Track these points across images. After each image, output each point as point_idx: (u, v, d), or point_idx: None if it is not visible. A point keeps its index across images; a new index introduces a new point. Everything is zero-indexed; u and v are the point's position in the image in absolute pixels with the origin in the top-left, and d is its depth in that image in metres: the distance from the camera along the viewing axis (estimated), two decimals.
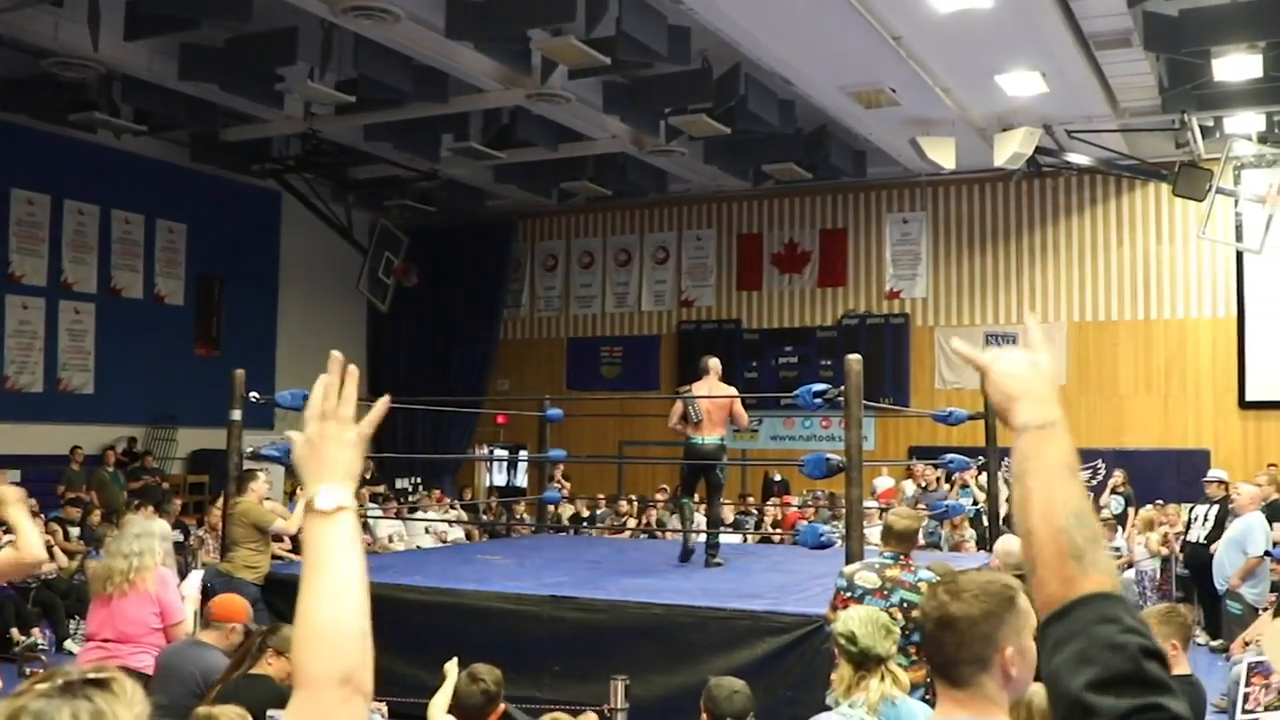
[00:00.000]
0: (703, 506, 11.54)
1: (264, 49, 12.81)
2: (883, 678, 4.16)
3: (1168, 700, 1.37)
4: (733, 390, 10.47)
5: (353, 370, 1.74)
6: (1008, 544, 6.89)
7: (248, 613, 5.78)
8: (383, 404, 1.78)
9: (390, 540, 15.26)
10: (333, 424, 1.67)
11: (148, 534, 6.17)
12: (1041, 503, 1.51)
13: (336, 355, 1.75)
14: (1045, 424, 1.58)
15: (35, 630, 11.52)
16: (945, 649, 2.26)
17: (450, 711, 4.84)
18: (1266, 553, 10.22)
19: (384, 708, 5.37)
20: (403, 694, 6.60)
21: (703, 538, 10.71)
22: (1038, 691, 3.21)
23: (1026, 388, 1.62)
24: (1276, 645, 1.44)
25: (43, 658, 7.66)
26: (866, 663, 4.18)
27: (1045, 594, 1.48)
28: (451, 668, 5.40)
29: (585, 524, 16.51)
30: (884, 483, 16.26)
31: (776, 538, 14.37)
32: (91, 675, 1.44)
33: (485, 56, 13.26)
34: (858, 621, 4.26)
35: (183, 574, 6.91)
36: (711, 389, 10.21)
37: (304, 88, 13.54)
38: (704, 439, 10.09)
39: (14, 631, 11.25)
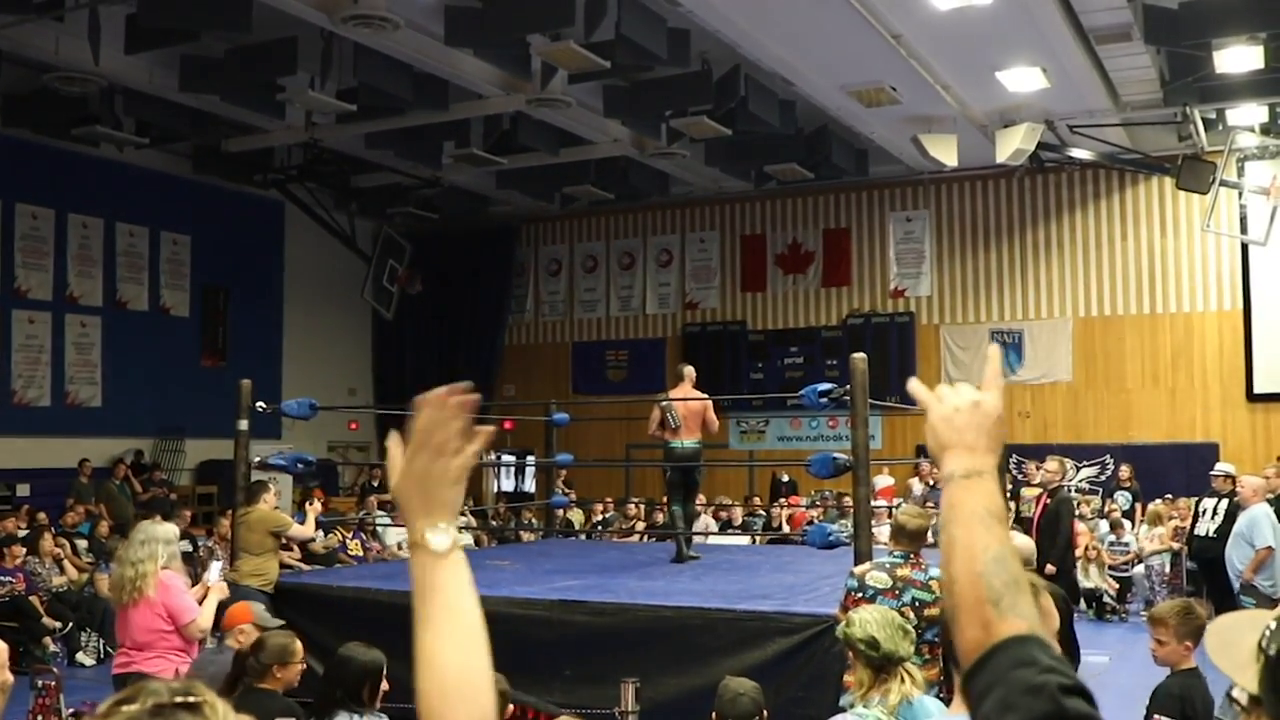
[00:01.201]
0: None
1: (264, 59, 12.83)
2: (902, 680, 4.14)
3: None
4: (705, 396, 10.66)
5: (466, 400, 1.61)
6: (1013, 540, 6.89)
7: (255, 612, 5.78)
8: (483, 433, 1.65)
9: (400, 548, 15.26)
10: (441, 459, 1.59)
11: (151, 539, 6.18)
12: (963, 550, 1.51)
13: (461, 387, 1.61)
14: (970, 474, 1.56)
15: (48, 639, 11.56)
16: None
17: None
18: (1274, 545, 10.19)
19: None
20: (413, 700, 6.61)
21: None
22: None
23: (958, 437, 1.58)
24: (1221, 646, 1.41)
25: (55, 670, 7.66)
26: (887, 666, 4.16)
27: (965, 642, 1.46)
28: None
29: (599, 528, 16.52)
30: (883, 481, 16.27)
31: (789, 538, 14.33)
32: (182, 698, 1.39)
33: (485, 63, 13.28)
34: (876, 625, 4.22)
35: (194, 580, 6.89)
36: (686, 395, 10.44)
37: (305, 97, 13.56)
38: (683, 443, 10.34)
39: (48, 640, 11.33)
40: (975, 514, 1.52)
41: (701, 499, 16.79)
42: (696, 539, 12.13)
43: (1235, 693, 1.57)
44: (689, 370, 10.78)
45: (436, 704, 1.50)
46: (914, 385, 1.70)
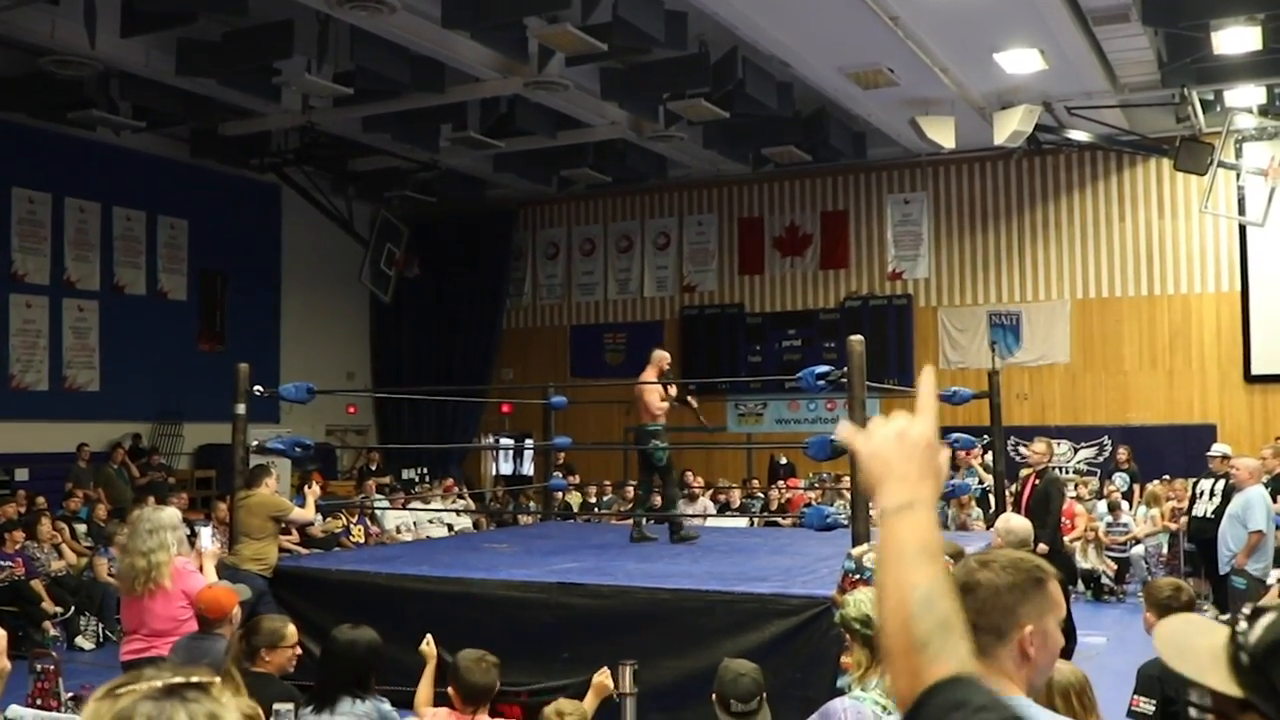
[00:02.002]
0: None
1: (260, 43, 12.78)
2: None
3: None
4: (647, 380, 10.70)
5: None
6: (1009, 522, 6.90)
7: (238, 595, 5.76)
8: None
9: (398, 531, 15.30)
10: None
11: (159, 528, 6.17)
12: (893, 593, 1.47)
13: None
14: (903, 506, 1.50)
15: (48, 624, 11.58)
16: (965, 615, 2.26)
17: (456, 692, 4.82)
18: (1265, 528, 10.19)
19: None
20: (413, 683, 6.62)
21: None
22: (1059, 668, 3.23)
23: (887, 470, 1.53)
24: (1177, 653, 1.40)
25: (55, 655, 7.68)
26: None
27: (899, 690, 1.44)
28: (429, 648, 5.40)
29: (595, 509, 16.56)
30: None
31: (783, 520, 14.37)
32: (192, 679, 1.39)
33: (482, 45, 13.24)
34: (871, 604, 4.24)
35: None
36: (646, 379, 10.66)
37: (301, 81, 13.53)
38: (638, 425, 10.72)
39: (48, 625, 11.34)
40: (904, 553, 1.48)
41: (700, 481, 16.88)
42: (694, 520, 12.19)
43: (1196, 697, 1.53)
44: (653, 355, 10.93)
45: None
46: (843, 430, 1.65)
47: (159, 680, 1.39)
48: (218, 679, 1.43)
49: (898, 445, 1.53)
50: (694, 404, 11.91)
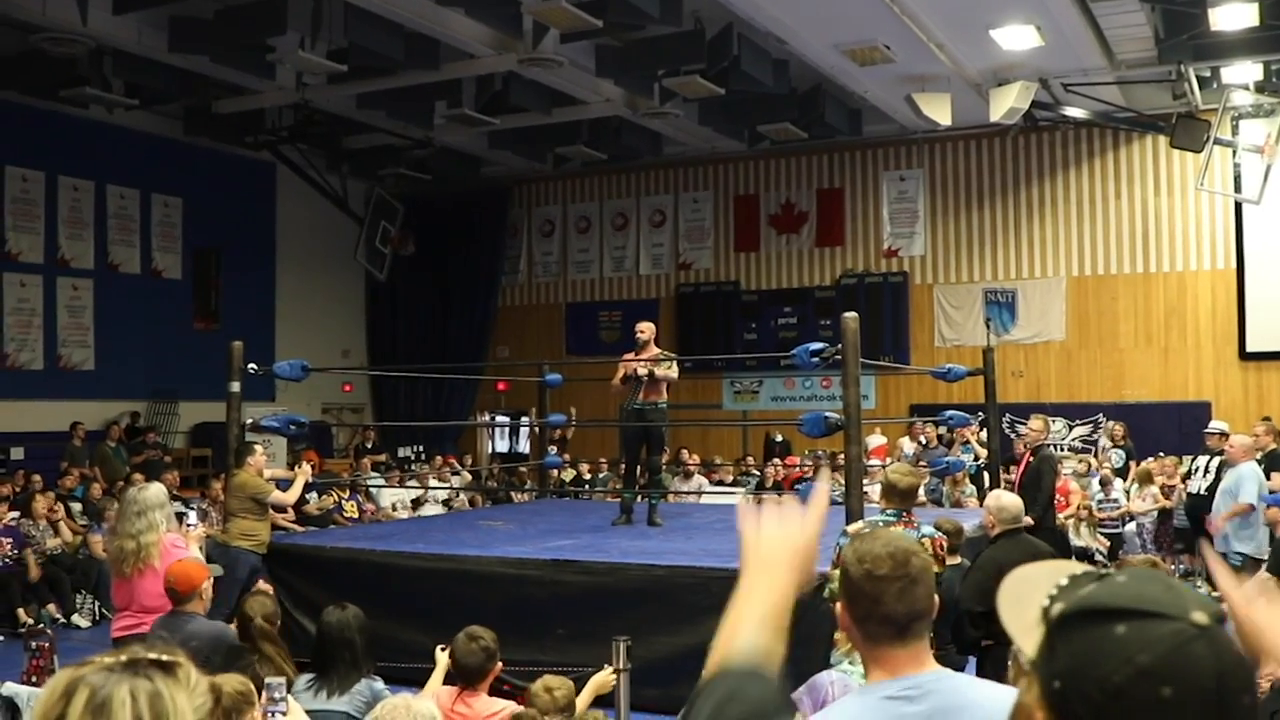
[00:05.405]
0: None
1: (254, 19, 12.71)
2: None
3: None
4: (631, 359, 10.52)
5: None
6: (1000, 499, 6.91)
7: (206, 570, 5.77)
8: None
9: (394, 509, 15.32)
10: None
11: (147, 509, 6.18)
12: (726, 637, 1.66)
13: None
14: (761, 578, 1.73)
15: (51, 606, 11.59)
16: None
17: (452, 671, 4.84)
18: (1255, 503, 10.22)
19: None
20: (408, 660, 6.64)
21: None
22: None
23: (763, 560, 1.75)
24: (1011, 602, 1.35)
25: (49, 632, 7.69)
26: None
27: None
28: (442, 657, 5.37)
29: (587, 487, 16.58)
30: (875, 440, 16.34)
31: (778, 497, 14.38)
32: (157, 656, 1.41)
33: (476, 22, 13.19)
34: None
35: None
36: (639, 357, 10.44)
37: (295, 58, 13.46)
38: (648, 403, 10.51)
39: (21, 611, 11.31)
40: (748, 613, 1.68)
41: (695, 459, 16.90)
42: (690, 497, 12.20)
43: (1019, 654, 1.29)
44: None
45: None
46: (740, 512, 1.82)
47: (128, 656, 1.40)
48: (182, 661, 1.44)
49: (781, 545, 1.74)
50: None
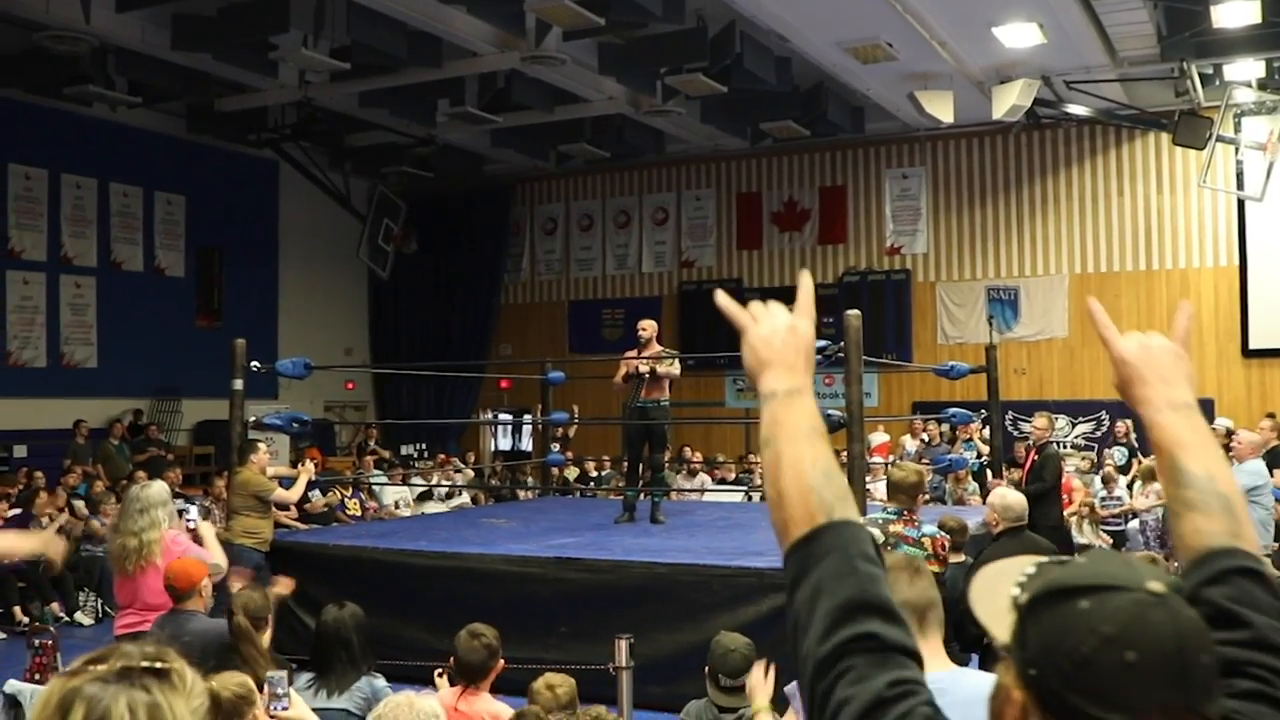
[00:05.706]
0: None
1: (256, 17, 12.71)
2: None
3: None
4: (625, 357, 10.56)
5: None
6: (1005, 498, 6.90)
7: (205, 567, 5.77)
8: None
9: (397, 506, 15.33)
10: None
11: (149, 506, 6.19)
12: (791, 465, 1.50)
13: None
14: (792, 391, 1.57)
15: (55, 604, 11.59)
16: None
17: (454, 668, 4.84)
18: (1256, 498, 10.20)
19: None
20: (411, 657, 6.66)
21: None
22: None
23: (777, 355, 1.61)
24: (983, 591, 1.35)
25: (52, 629, 7.71)
26: None
27: (792, 538, 1.47)
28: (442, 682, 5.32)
29: (591, 484, 16.59)
30: (878, 438, 16.35)
31: None
32: (150, 663, 1.39)
33: (479, 20, 13.19)
34: None
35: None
36: (643, 355, 10.45)
37: (298, 55, 13.46)
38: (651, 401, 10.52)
39: (16, 610, 11.31)
40: (800, 429, 1.54)
41: (698, 457, 16.89)
42: (692, 495, 12.19)
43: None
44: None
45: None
46: (722, 300, 1.73)
47: (120, 662, 1.39)
48: (177, 665, 1.42)
49: (789, 336, 1.63)
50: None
